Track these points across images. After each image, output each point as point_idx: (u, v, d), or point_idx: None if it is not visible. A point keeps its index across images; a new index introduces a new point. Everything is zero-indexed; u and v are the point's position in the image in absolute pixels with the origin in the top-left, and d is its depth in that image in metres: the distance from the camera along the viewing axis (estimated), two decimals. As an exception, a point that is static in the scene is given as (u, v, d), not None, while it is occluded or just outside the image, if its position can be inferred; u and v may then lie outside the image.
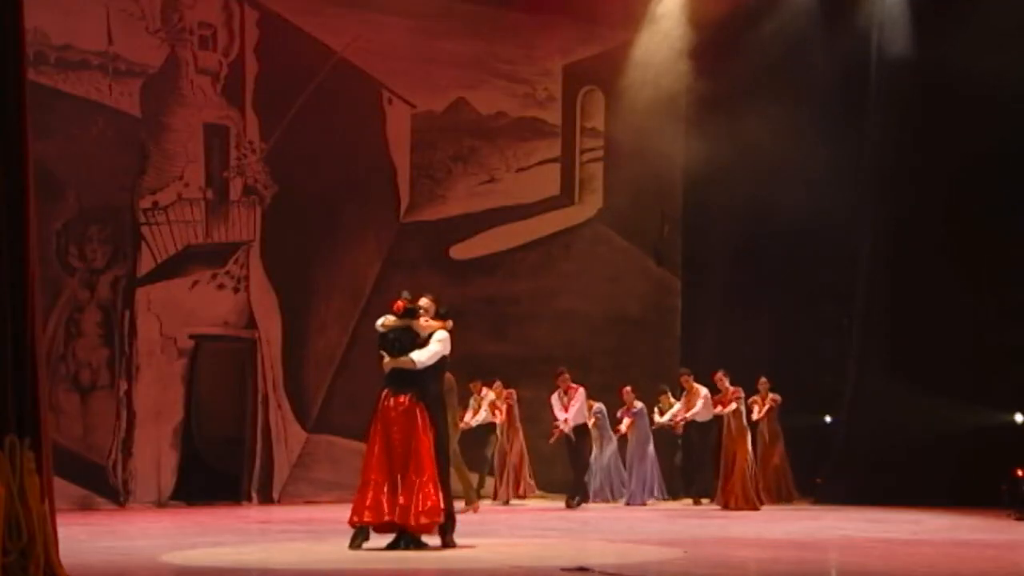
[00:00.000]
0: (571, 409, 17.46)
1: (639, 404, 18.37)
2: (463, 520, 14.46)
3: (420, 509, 10.58)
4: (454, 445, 15.51)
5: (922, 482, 16.92)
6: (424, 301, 11.45)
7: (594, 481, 18.34)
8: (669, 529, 14.01)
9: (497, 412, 18.03)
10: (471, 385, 17.85)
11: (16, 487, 7.46)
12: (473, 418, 17.89)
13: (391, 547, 10.70)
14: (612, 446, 18.61)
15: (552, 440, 17.92)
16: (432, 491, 10.59)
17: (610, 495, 18.52)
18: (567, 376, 17.67)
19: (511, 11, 20.39)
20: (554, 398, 17.71)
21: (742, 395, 17.14)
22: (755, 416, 17.94)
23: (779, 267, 19.31)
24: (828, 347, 19.06)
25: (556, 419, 17.58)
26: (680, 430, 18.38)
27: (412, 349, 10.91)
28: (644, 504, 18.06)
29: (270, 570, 9.84)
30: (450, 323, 11.28)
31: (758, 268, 19.65)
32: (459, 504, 15.12)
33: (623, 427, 18.30)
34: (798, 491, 18.49)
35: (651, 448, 18.42)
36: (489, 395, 18.01)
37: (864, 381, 18.36)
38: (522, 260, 20.66)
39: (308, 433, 18.47)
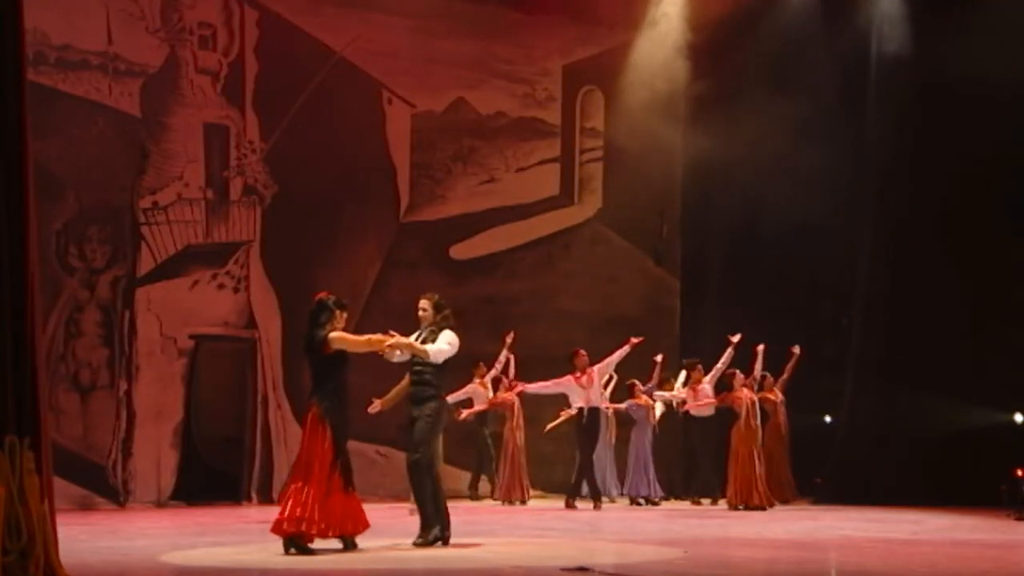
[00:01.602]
0: (590, 391, 17.07)
1: (645, 399, 18.34)
2: (463, 520, 14.47)
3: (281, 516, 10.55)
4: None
5: (922, 482, 16.93)
6: (423, 303, 11.41)
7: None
8: (669, 529, 14.01)
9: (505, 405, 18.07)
10: (474, 369, 17.88)
11: (16, 487, 7.46)
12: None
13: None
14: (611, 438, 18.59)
15: (554, 425, 17.79)
16: (297, 499, 10.50)
17: (616, 490, 18.42)
18: (586, 358, 17.08)
19: (511, 11, 20.39)
20: (571, 384, 17.04)
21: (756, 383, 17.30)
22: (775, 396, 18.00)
23: (778, 267, 19.31)
24: (828, 347, 19.06)
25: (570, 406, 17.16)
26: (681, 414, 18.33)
27: (310, 351, 10.79)
28: (642, 499, 17.94)
29: (270, 570, 9.84)
30: (440, 339, 11.02)
31: (757, 268, 19.65)
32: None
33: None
34: (797, 492, 18.44)
35: (649, 443, 18.27)
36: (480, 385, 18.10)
37: (864, 381, 18.36)
38: (522, 260, 20.67)
39: (308, 433, 18.43)
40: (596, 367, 17.05)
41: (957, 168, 17.26)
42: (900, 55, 18.12)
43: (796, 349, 18.21)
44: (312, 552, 10.49)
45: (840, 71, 18.89)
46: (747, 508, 16.52)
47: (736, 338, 17.23)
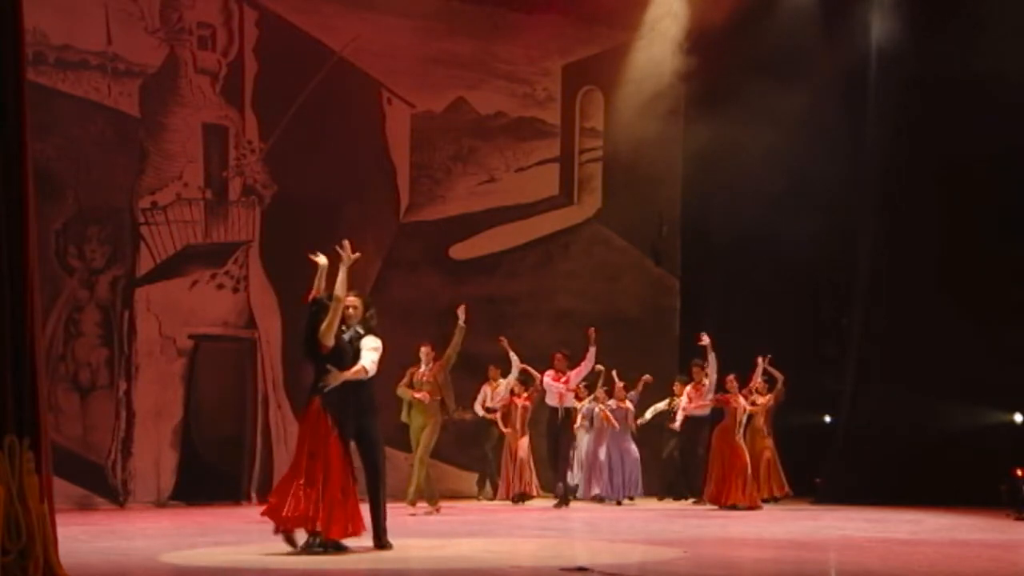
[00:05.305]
0: (564, 394, 17.55)
1: (629, 405, 18.44)
2: (463, 520, 14.51)
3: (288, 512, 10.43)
4: (429, 441, 15.53)
5: (922, 482, 16.93)
6: (352, 299, 11.28)
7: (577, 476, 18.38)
8: (669, 529, 14.02)
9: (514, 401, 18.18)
10: (490, 371, 18.22)
11: (15, 487, 7.46)
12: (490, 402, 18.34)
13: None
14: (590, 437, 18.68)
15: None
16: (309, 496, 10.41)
17: (599, 490, 18.47)
18: (564, 361, 17.64)
19: (511, 11, 20.38)
20: (549, 382, 17.56)
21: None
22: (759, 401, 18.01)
23: (778, 266, 19.30)
24: (828, 347, 19.05)
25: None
26: (679, 427, 18.34)
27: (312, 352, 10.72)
28: (621, 503, 18.03)
29: (270, 570, 9.83)
30: (367, 351, 10.90)
31: (757, 268, 19.64)
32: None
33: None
34: (790, 487, 18.39)
35: (632, 445, 18.38)
36: (502, 383, 18.17)
37: (863, 381, 18.35)
38: (521, 260, 20.66)
39: (308, 433, 18.41)
40: (573, 373, 17.56)
41: (958, 167, 17.27)
42: (899, 53, 18.11)
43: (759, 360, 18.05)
44: (344, 549, 10.45)
45: (840, 70, 18.89)
46: (728, 507, 16.57)
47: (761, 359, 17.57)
